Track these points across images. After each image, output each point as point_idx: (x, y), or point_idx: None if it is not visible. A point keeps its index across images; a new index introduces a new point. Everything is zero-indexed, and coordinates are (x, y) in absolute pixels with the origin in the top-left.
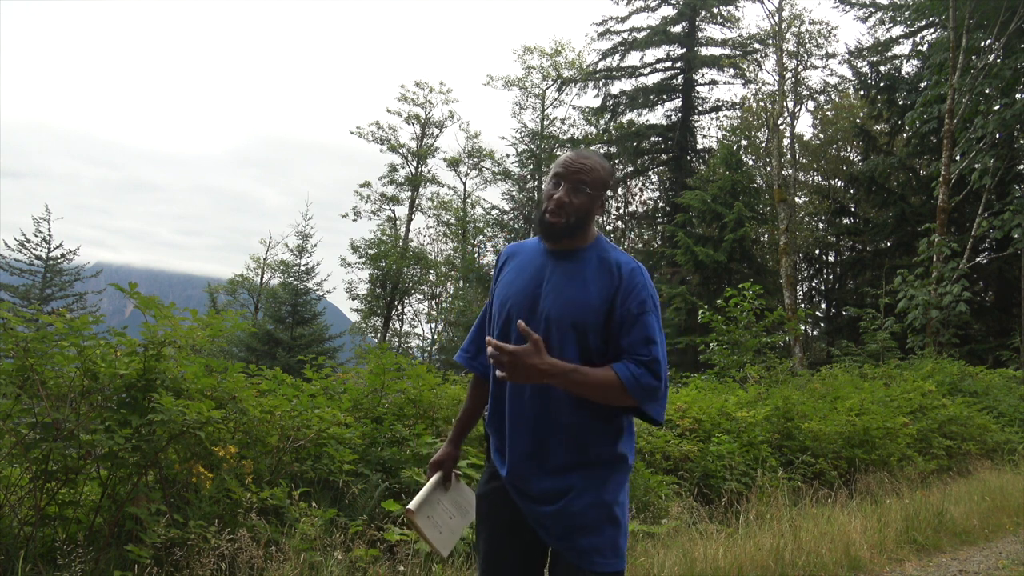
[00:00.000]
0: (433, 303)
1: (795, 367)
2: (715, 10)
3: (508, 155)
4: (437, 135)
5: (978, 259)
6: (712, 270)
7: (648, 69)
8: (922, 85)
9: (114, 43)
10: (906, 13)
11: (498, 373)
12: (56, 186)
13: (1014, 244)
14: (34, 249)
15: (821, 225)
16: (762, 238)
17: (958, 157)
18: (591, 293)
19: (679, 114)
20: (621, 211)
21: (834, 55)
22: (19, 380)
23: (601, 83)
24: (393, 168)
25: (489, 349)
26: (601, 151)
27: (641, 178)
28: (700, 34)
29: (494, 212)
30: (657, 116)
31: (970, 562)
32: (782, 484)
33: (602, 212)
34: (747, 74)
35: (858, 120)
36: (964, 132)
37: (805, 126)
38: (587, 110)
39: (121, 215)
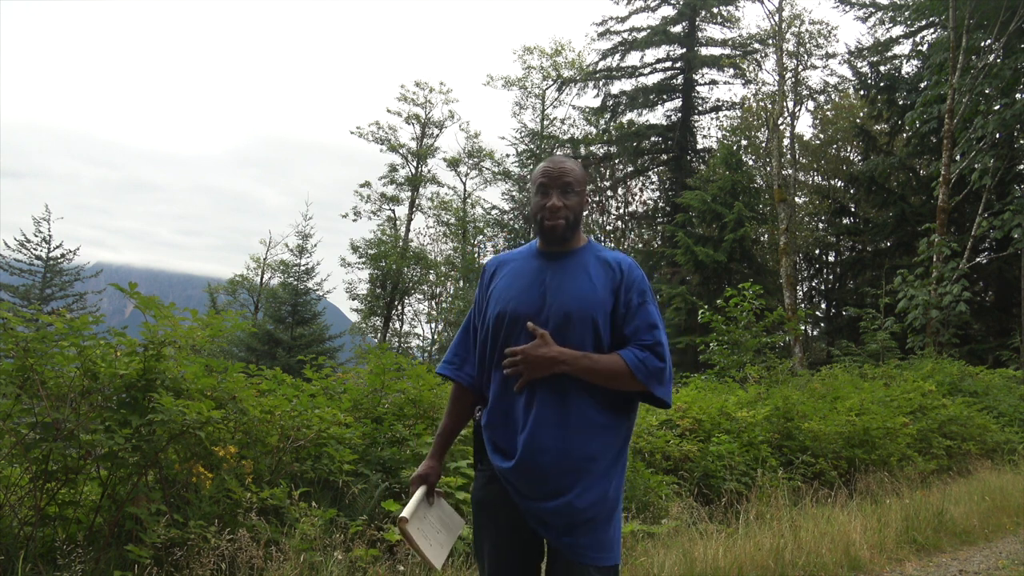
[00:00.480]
0: (433, 303)
1: (795, 367)
2: (715, 10)
3: (508, 155)
4: (437, 135)
5: (978, 259)
6: (712, 270)
7: (648, 69)
8: (922, 85)
9: (114, 43)
10: (906, 13)
11: (508, 375)
12: (56, 186)
13: (1014, 244)
14: (34, 249)
15: (821, 225)
16: (762, 238)
17: (958, 157)
18: (596, 288)
19: (679, 114)
20: (621, 211)
21: (834, 55)
22: (19, 380)
23: (601, 83)
24: (393, 168)
25: (505, 363)
26: (601, 151)
27: (641, 178)
28: (700, 34)
29: (494, 212)
30: (657, 116)
31: (970, 562)
32: (782, 484)
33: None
34: (747, 74)
35: (858, 120)
36: (964, 132)
37: (805, 126)
38: (587, 110)
39: (121, 215)
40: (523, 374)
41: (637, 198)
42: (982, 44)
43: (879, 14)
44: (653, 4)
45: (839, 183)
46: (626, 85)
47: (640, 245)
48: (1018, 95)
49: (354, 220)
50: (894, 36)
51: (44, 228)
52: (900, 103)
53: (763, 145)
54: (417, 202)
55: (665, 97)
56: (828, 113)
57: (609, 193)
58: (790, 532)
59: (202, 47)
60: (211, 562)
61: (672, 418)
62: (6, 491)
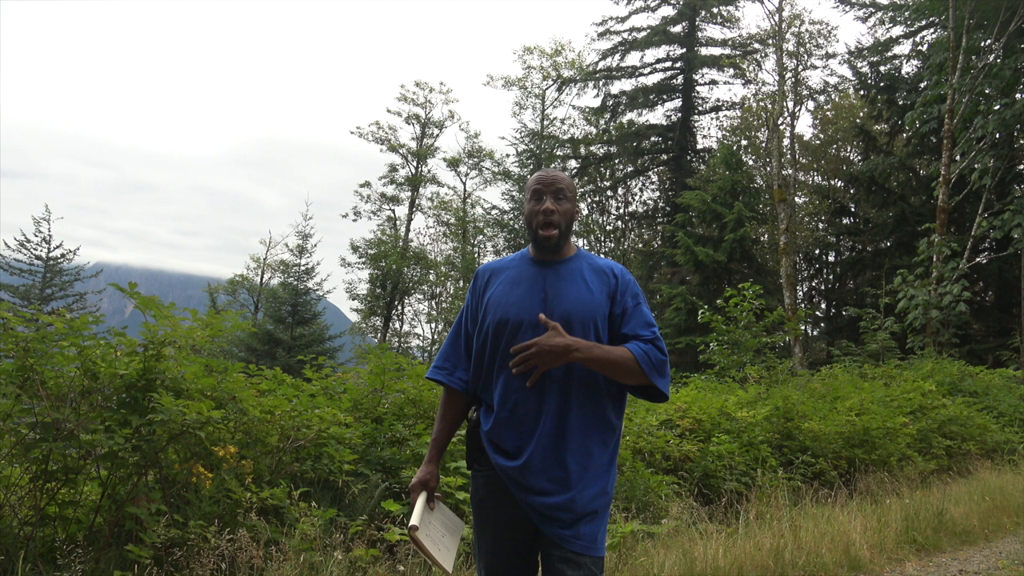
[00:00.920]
0: (433, 303)
1: (795, 367)
2: (715, 10)
3: (508, 155)
4: (437, 135)
5: (978, 259)
6: (712, 270)
7: (648, 69)
8: (922, 85)
9: (112, 44)
10: (906, 13)
11: (519, 372)
12: (54, 186)
13: (1014, 244)
14: (34, 249)
15: (821, 225)
16: (762, 238)
17: (958, 157)
18: (594, 292)
19: (679, 114)
20: (621, 211)
21: (834, 55)
22: (19, 380)
23: (601, 83)
24: (393, 168)
25: (514, 363)
26: (601, 151)
27: (641, 178)
28: (700, 34)
29: (494, 212)
30: (657, 116)
31: (970, 562)
32: (782, 484)
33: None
34: (747, 74)
35: (858, 120)
36: (964, 132)
37: (805, 126)
38: (587, 110)
39: (119, 215)
40: (538, 366)
41: (637, 198)
42: (982, 44)
43: (879, 14)
44: (653, 4)
45: (839, 183)
46: (626, 85)
47: (640, 245)
48: (1018, 95)
49: (354, 220)
50: (894, 36)
51: (44, 228)
52: (900, 103)
53: (763, 145)
54: (417, 202)
55: (665, 97)
56: (828, 113)
57: (609, 193)
58: (790, 532)
59: (200, 48)
60: (211, 562)
61: (672, 418)
62: (6, 491)
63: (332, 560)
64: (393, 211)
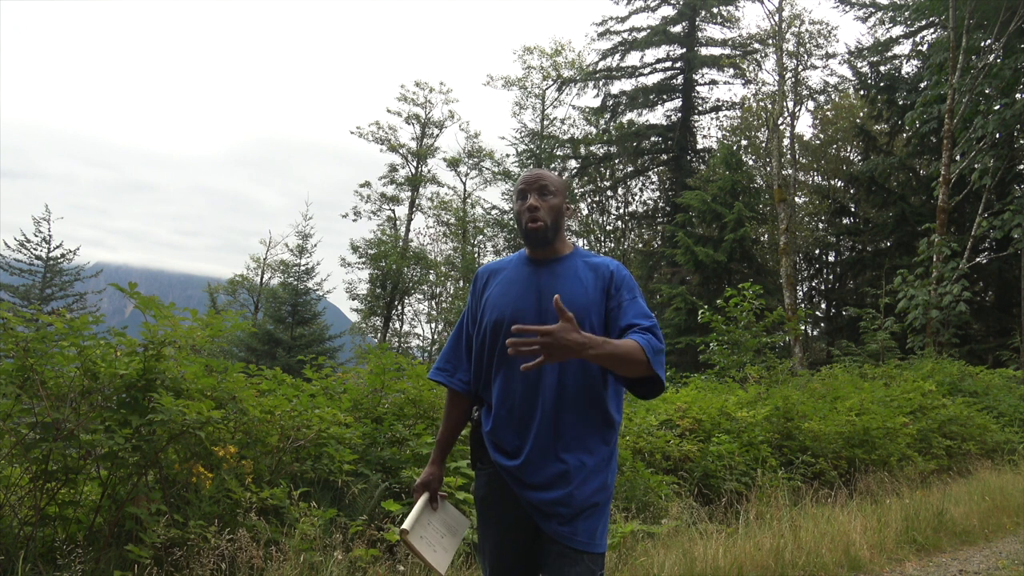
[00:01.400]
0: (433, 303)
1: (795, 367)
2: (715, 10)
3: (508, 155)
4: (437, 135)
5: (978, 259)
6: (712, 270)
7: (648, 69)
8: (922, 85)
9: (112, 44)
10: (906, 13)
11: (517, 358)
12: (54, 186)
13: (1014, 244)
14: (34, 249)
15: (821, 225)
16: (762, 238)
17: (958, 157)
18: (588, 290)
19: (679, 114)
20: (621, 211)
21: (834, 55)
22: (19, 380)
23: (601, 83)
24: (393, 168)
25: (511, 340)
26: (601, 151)
27: (641, 178)
28: (700, 34)
29: (494, 212)
30: (657, 116)
31: (970, 562)
32: (782, 484)
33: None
34: (747, 74)
35: (858, 120)
36: (964, 132)
37: (805, 126)
38: (587, 110)
39: (119, 215)
40: (545, 357)
41: (637, 198)
42: (982, 44)
43: (879, 14)
44: (653, 4)
45: (839, 183)
46: (626, 85)
47: (640, 245)
48: (1018, 95)
49: (354, 220)
50: (894, 36)
51: (44, 228)
52: (900, 103)
53: (763, 145)
54: (417, 202)
55: (665, 97)
56: (828, 113)
57: (609, 193)
58: (790, 532)
59: (200, 48)
60: (211, 562)
61: (672, 418)
62: (6, 491)
63: (332, 560)
64: (393, 211)
